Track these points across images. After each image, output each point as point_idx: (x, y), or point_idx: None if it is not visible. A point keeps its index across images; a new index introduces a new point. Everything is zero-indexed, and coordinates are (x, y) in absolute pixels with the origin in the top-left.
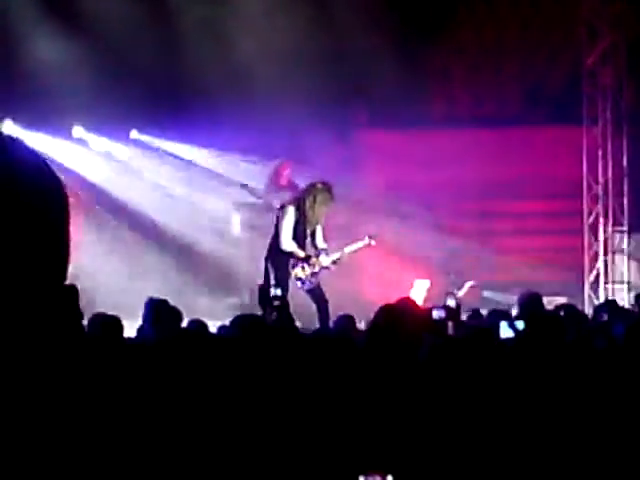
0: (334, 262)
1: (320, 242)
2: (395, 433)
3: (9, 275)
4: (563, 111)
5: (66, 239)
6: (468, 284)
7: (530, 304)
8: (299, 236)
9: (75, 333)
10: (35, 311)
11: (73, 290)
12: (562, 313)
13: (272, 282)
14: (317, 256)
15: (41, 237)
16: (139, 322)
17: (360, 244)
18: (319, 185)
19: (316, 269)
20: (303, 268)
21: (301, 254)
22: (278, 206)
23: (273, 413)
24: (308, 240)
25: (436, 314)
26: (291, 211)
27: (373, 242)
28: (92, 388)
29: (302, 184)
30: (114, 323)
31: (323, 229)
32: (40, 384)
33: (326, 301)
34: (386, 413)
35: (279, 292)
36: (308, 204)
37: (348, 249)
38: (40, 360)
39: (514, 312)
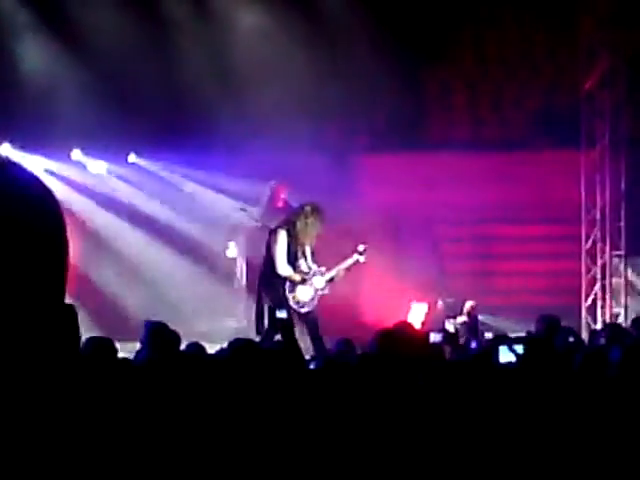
0: (328, 281)
1: (311, 263)
2: (393, 458)
3: (7, 296)
4: (562, 135)
5: (65, 259)
6: (468, 304)
7: (549, 328)
8: (292, 259)
9: (72, 353)
10: (34, 330)
11: (72, 310)
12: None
13: (270, 305)
14: (312, 278)
15: (39, 258)
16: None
17: (350, 261)
18: (309, 207)
19: (312, 292)
20: (301, 291)
21: (297, 278)
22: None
23: (268, 437)
24: (300, 262)
25: (433, 338)
26: (283, 235)
27: (362, 258)
28: (87, 409)
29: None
30: (107, 345)
31: (313, 251)
32: (35, 403)
33: (318, 326)
34: (383, 437)
35: (284, 314)
36: (299, 226)
37: (340, 267)
38: (36, 380)
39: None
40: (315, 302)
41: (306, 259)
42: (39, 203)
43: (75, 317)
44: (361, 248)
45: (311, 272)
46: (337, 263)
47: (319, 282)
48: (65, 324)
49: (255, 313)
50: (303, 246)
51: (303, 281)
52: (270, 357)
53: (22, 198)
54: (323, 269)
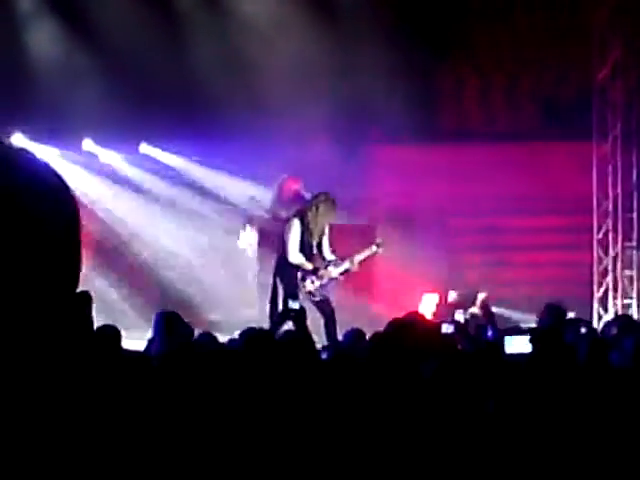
0: (342, 273)
1: (327, 253)
2: (402, 449)
3: (21, 285)
4: (574, 126)
5: (77, 247)
6: (481, 296)
7: (553, 316)
8: (305, 248)
9: (85, 342)
10: (48, 319)
11: (86, 296)
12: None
13: (283, 295)
14: (325, 267)
15: (53, 246)
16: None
17: (367, 252)
18: (322, 196)
19: (324, 281)
20: (312, 281)
21: (309, 266)
22: (284, 219)
23: (279, 427)
24: (315, 252)
25: (445, 329)
26: (296, 224)
27: (380, 250)
28: (99, 398)
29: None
30: (112, 333)
31: (329, 240)
32: (47, 393)
33: (333, 314)
34: (391, 427)
35: (297, 305)
36: (311, 216)
37: (356, 259)
38: (49, 368)
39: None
40: (328, 292)
41: (321, 250)
42: (53, 192)
43: (89, 305)
44: (379, 240)
45: (325, 263)
46: (352, 254)
47: (333, 272)
48: (78, 312)
49: (269, 301)
50: (317, 236)
51: (315, 270)
52: (282, 347)
53: (36, 187)
54: (338, 260)
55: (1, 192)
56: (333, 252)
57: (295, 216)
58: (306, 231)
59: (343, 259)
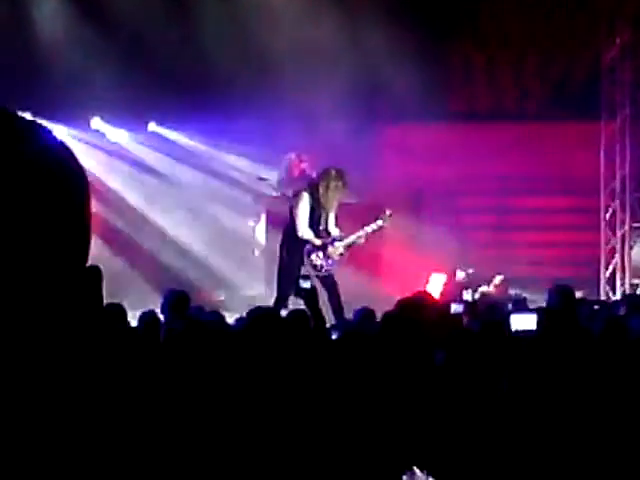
0: (348, 247)
1: (333, 228)
2: (410, 427)
3: (32, 259)
4: (582, 106)
5: (88, 222)
6: (498, 278)
7: (561, 297)
8: (314, 223)
9: (95, 315)
10: (57, 292)
11: (96, 271)
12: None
13: (287, 269)
14: (332, 244)
15: (63, 220)
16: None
17: (373, 226)
18: (333, 172)
19: (333, 258)
20: (318, 255)
21: (317, 242)
22: (292, 194)
23: (287, 406)
24: (323, 227)
25: (455, 308)
26: (306, 197)
27: (386, 223)
28: (105, 374)
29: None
30: (117, 311)
31: (336, 216)
32: (54, 366)
33: (337, 289)
34: (403, 407)
35: (308, 285)
36: (322, 191)
37: (362, 233)
38: (57, 342)
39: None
40: (333, 266)
41: (327, 225)
42: (63, 164)
43: (99, 279)
44: (387, 213)
45: (331, 238)
46: (357, 230)
47: (340, 248)
48: (88, 286)
49: (277, 274)
50: (326, 211)
51: (324, 246)
52: (291, 326)
53: (50, 161)
54: (344, 235)
55: (16, 164)
56: (338, 228)
57: (305, 190)
58: (316, 206)
59: (349, 235)
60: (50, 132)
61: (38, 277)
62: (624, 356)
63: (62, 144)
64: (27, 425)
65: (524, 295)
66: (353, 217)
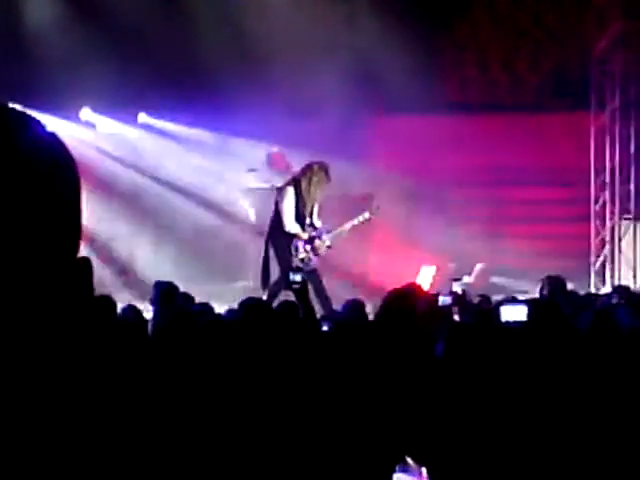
0: (332, 238)
1: (316, 220)
2: (404, 418)
3: (22, 250)
4: (572, 97)
5: (78, 213)
6: (478, 267)
7: (552, 288)
8: (300, 217)
9: (85, 306)
10: (47, 283)
11: (86, 263)
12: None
13: (279, 265)
14: (319, 237)
15: (54, 211)
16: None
17: (360, 218)
18: (315, 166)
19: (321, 252)
20: (305, 249)
21: (304, 236)
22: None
23: (279, 397)
24: (308, 221)
25: (442, 301)
26: (290, 192)
27: (373, 215)
28: (95, 365)
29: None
30: (107, 303)
31: (320, 208)
32: (44, 356)
33: (322, 282)
34: (400, 398)
35: (298, 278)
36: (304, 185)
37: (347, 225)
38: (47, 332)
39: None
40: (318, 260)
41: (312, 217)
42: (56, 158)
43: (89, 270)
44: (374, 207)
45: (317, 231)
46: (345, 222)
47: (327, 241)
48: (78, 277)
49: (261, 268)
50: (310, 205)
51: (311, 239)
52: (282, 318)
53: (40, 152)
54: (329, 227)
55: (6, 155)
56: (321, 221)
57: (289, 184)
58: (300, 200)
59: (335, 227)
60: (41, 123)
61: (28, 268)
62: (613, 349)
63: (53, 135)
64: (15, 415)
65: (509, 285)
66: (343, 208)
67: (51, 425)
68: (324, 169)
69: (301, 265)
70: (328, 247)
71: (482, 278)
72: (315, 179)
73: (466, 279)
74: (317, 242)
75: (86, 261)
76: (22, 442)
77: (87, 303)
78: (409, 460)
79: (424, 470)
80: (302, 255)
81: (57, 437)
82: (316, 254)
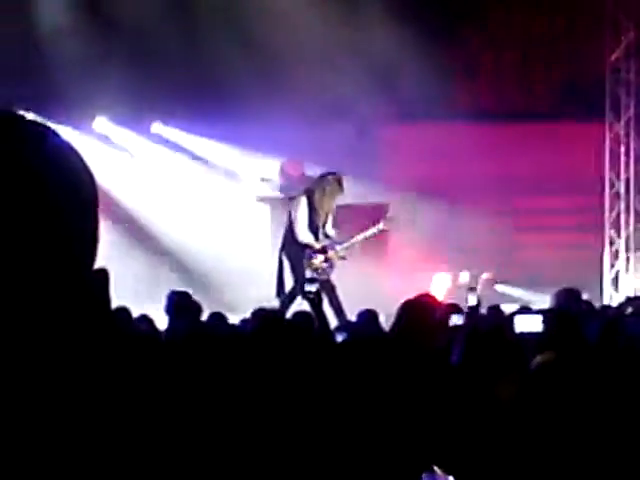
0: (346, 249)
1: (330, 231)
2: (433, 427)
3: (40, 262)
4: (587, 106)
5: (96, 225)
6: (483, 276)
7: (567, 300)
8: (313, 227)
9: (102, 318)
10: (65, 295)
11: (103, 274)
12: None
13: (291, 274)
14: (332, 247)
15: (71, 223)
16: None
17: (374, 230)
18: (329, 177)
19: (333, 260)
20: (319, 259)
21: (317, 246)
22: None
23: (294, 409)
24: (322, 231)
25: (455, 319)
26: (303, 202)
27: (387, 226)
28: (109, 377)
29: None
30: (123, 314)
31: (334, 218)
32: (60, 370)
33: (337, 292)
34: (419, 406)
35: (313, 288)
36: (318, 196)
37: (360, 237)
38: (64, 345)
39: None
40: (332, 270)
41: (326, 228)
42: (74, 169)
43: (107, 281)
44: (388, 216)
45: (330, 241)
46: (358, 232)
47: (341, 252)
48: (96, 289)
49: (276, 278)
50: (323, 215)
51: (323, 250)
52: (296, 329)
53: (58, 164)
54: (343, 238)
55: (24, 167)
56: (337, 230)
57: (302, 195)
58: (313, 211)
59: (349, 238)
60: (57, 134)
61: (47, 279)
62: (623, 360)
63: (70, 147)
64: (34, 426)
65: (522, 295)
66: (356, 218)
67: (64, 435)
68: (338, 180)
69: (314, 275)
70: (342, 258)
71: (487, 288)
72: (329, 189)
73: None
74: (330, 253)
75: (103, 272)
76: (34, 451)
77: (104, 313)
78: (436, 469)
79: (451, 479)
80: (315, 265)
81: (69, 447)
82: (330, 264)
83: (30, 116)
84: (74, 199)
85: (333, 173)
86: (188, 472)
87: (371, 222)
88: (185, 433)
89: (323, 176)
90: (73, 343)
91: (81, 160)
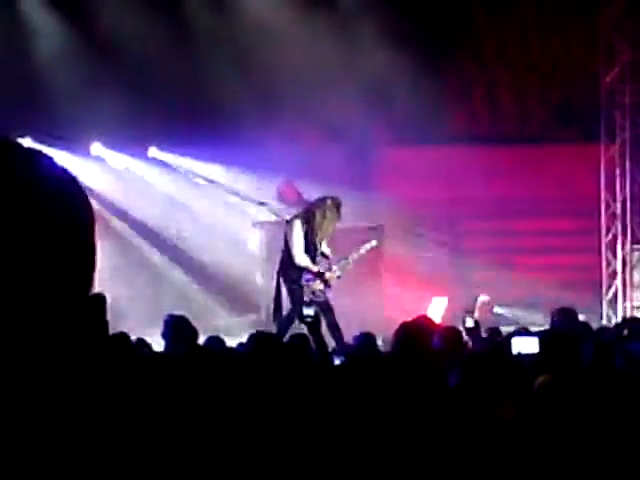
0: (342, 269)
1: (326, 249)
2: (418, 452)
3: (34, 285)
4: (582, 128)
5: (92, 250)
6: (480, 299)
7: (565, 320)
8: (310, 249)
9: (99, 343)
10: (61, 320)
11: (100, 299)
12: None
13: (289, 297)
14: (329, 269)
15: (67, 248)
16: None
17: (367, 246)
18: (329, 201)
19: (330, 281)
20: (316, 282)
21: (315, 268)
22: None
23: (290, 431)
24: (319, 252)
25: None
26: (298, 225)
27: (379, 243)
28: (107, 400)
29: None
30: (122, 339)
31: (328, 240)
32: (56, 394)
33: (334, 314)
34: (416, 428)
35: (312, 312)
36: (318, 218)
37: (355, 255)
38: (60, 370)
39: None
40: (330, 290)
41: (321, 246)
42: (69, 195)
43: (104, 306)
44: (375, 242)
45: (327, 263)
46: (352, 251)
47: (337, 272)
48: (92, 314)
49: (273, 302)
50: (320, 238)
51: (321, 273)
52: (293, 351)
53: (53, 189)
54: (337, 258)
55: (19, 194)
56: (330, 249)
57: (297, 217)
58: (311, 233)
59: (344, 258)
60: (52, 159)
61: (43, 304)
62: (618, 381)
63: (65, 172)
64: (34, 446)
65: (518, 316)
66: (352, 240)
67: (62, 458)
68: (337, 205)
69: (313, 298)
70: (338, 277)
71: (485, 310)
72: (329, 214)
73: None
74: (328, 275)
75: (100, 297)
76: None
77: (101, 338)
78: None
79: None
80: (314, 287)
81: (69, 468)
82: (327, 286)
83: (26, 142)
84: (68, 222)
85: (333, 197)
86: None
87: (363, 241)
88: (182, 449)
89: (323, 199)
90: (71, 365)
91: (76, 184)
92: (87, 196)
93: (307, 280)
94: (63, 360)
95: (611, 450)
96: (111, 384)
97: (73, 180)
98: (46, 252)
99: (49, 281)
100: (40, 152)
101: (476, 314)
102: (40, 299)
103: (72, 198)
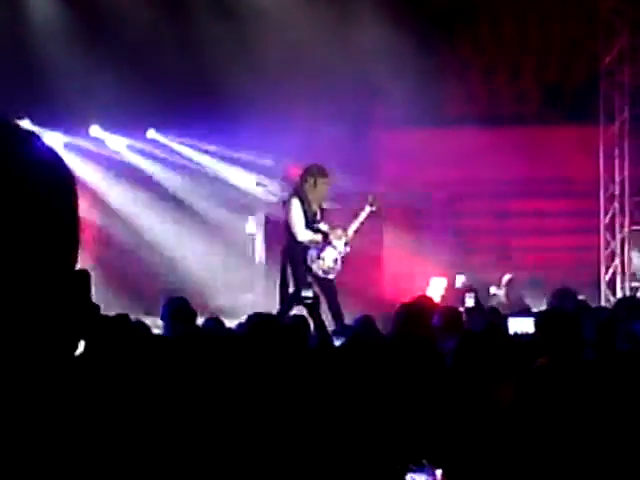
0: (346, 243)
1: (323, 226)
2: (426, 425)
3: (20, 263)
4: (580, 110)
5: (76, 227)
6: (505, 278)
7: (562, 299)
8: (310, 222)
9: (84, 317)
10: (45, 296)
11: (84, 275)
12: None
13: (293, 279)
14: (332, 238)
15: (51, 225)
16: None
17: (363, 214)
18: (315, 168)
19: (335, 254)
20: (327, 256)
21: (318, 237)
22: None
23: (291, 412)
24: (318, 220)
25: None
26: (295, 202)
27: (374, 208)
28: (98, 379)
29: None
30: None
31: (322, 211)
32: (42, 371)
33: (337, 296)
34: (412, 406)
35: (310, 293)
36: (309, 189)
37: (354, 224)
38: (45, 345)
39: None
40: (339, 267)
41: (318, 223)
42: (52, 171)
43: (88, 283)
44: (370, 199)
45: (327, 229)
46: (350, 223)
47: (339, 245)
48: (76, 290)
49: (279, 284)
50: (315, 207)
51: (325, 239)
52: (291, 332)
53: (38, 168)
54: (338, 230)
55: (4, 171)
56: (323, 221)
57: (292, 196)
58: (307, 207)
59: (344, 229)
60: (39, 138)
61: (26, 280)
62: (620, 359)
63: (50, 150)
64: (19, 429)
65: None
66: (349, 222)
67: (53, 444)
68: (320, 169)
69: (323, 275)
70: (341, 252)
71: (511, 289)
72: (320, 181)
73: (493, 290)
74: (332, 244)
75: (84, 274)
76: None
77: (84, 313)
78: (425, 462)
79: (439, 472)
80: (323, 265)
81: (62, 451)
82: (335, 260)
83: (25, 124)
84: (54, 200)
85: (316, 165)
86: (183, 467)
87: (365, 228)
88: (181, 434)
89: (309, 168)
90: (54, 341)
91: (61, 162)
92: (72, 174)
93: (313, 257)
94: (50, 336)
95: (611, 431)
96: (97, 362)
97: (58, 158)
98: (28, 229)
99: (33, 258)
100: (27, 130)
101: (502, 290)
102: (24, 275)
103: (57, 176)
